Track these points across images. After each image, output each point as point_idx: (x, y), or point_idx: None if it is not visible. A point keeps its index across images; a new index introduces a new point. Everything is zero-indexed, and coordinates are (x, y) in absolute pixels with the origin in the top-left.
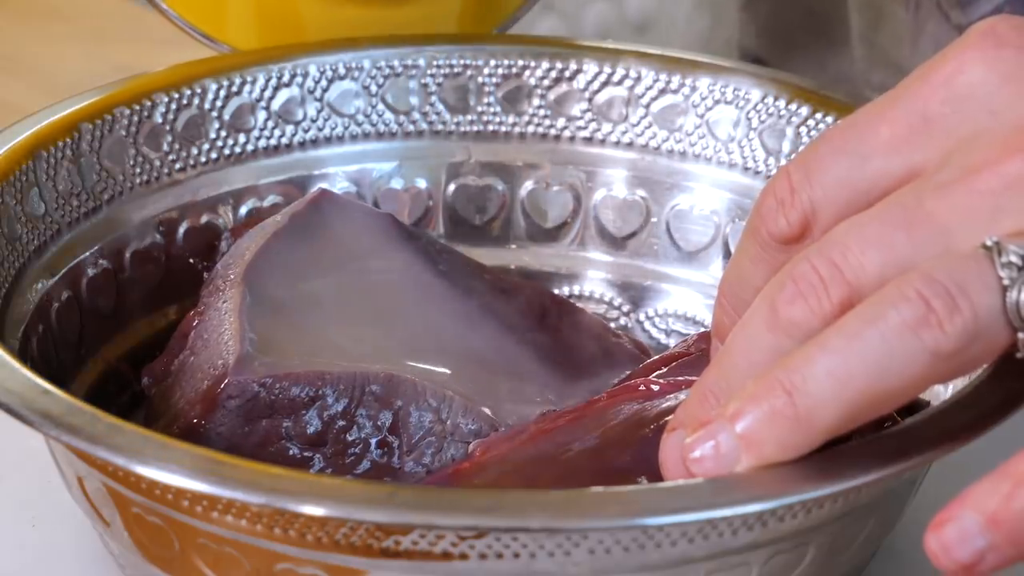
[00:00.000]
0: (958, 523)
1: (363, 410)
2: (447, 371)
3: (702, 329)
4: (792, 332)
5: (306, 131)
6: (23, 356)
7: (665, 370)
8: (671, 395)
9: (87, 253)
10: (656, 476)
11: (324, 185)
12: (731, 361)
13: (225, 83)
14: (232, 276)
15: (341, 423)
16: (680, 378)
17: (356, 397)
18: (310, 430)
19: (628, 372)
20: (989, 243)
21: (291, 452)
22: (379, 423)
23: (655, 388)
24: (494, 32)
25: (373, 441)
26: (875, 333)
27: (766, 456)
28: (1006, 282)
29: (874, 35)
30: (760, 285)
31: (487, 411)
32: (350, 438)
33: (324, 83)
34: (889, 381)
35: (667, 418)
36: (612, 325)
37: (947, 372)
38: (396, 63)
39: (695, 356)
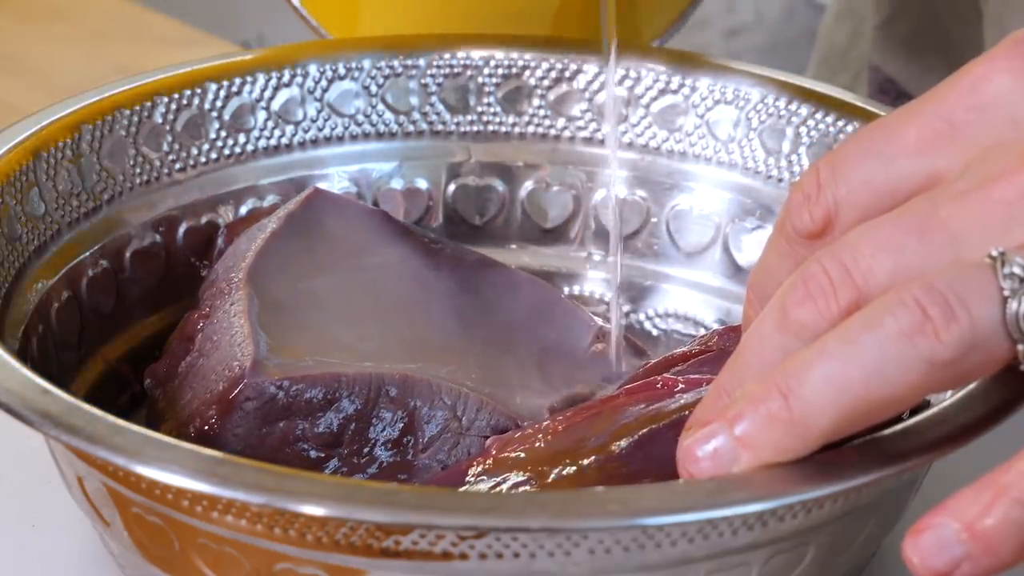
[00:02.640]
0: (936, 531)
1: (379, 411)
2: (459, 367)
3: (702, 330)
4: (800, 333)
5: (306, 131)
6: (23, 356)
7: (684, 367)
8: (689, 393)
9: (87, 253)
10: (672, 475)
11: (324, 185)
12: (744, 360)
13: (225, 83)
14: (235, 278)
15: (357, 424)
16: (698, 375)
17: (372, 398)
18: (326, 431)
19: (635, 369)
20: (995, 253)
21: (307, 453)
22: (395, 423)
23: (673, 386)
24: (655, 44)
25: (389, 441)
26: (872, 339)
27: (763, 459)
28: (1007, 293)
29: None
30: (783, 279)
31: (502, 406)
32: (366, 438)
33: (324, 83)
34: (885, 388)
35: (684, 416)
36: (613, 327)
37: (944, 381)
38: (396, 63)
39: (715, 353)
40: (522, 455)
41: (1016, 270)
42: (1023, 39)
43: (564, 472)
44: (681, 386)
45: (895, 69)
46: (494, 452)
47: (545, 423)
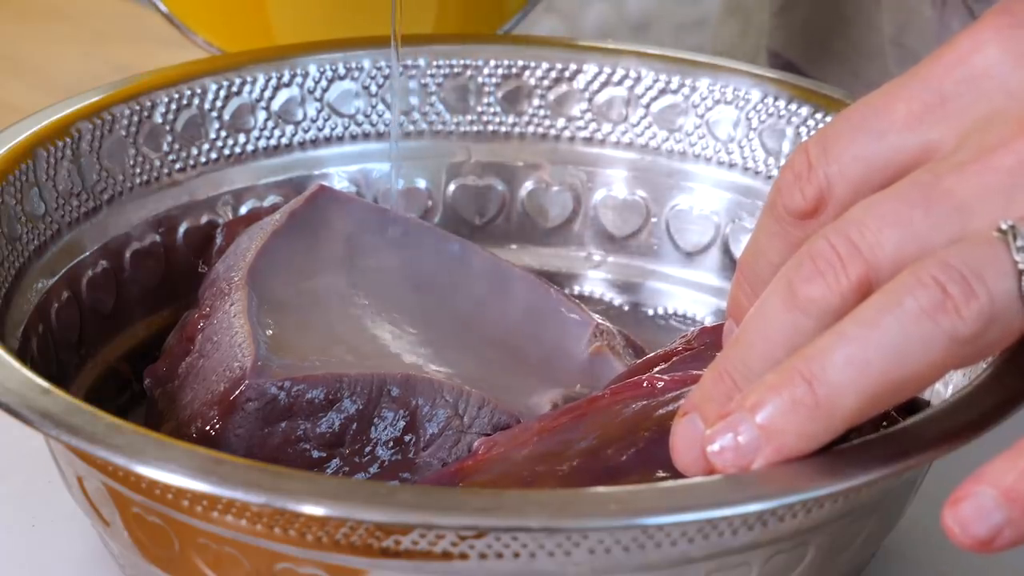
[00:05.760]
0: (975, 499)
1: (381, 410)
2: (460, 365)
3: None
4: (809, 310)
5: (306, 131)
6: (23, 356)
7: (667, 365)
8: (675, 391)
9: (87, 253)
10: (659, 475)
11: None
12: (748, 340)
13: (225, 83)
14: (235, 278)
15: (359, 423)
16: (684, 373)
17: (374, 398)
18: (328, 431)
19: (626, 368)
20: (1004, 227)
21: (309, 453)
22: (397, 422)
23: (659, 385)
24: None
25: (391, 440)
26: (892, 320)
27: (787, 446)
28: (1021, 266)
29: (904, 38)
30: (775, 260)
31: (504, 404)
32: (368, 438)
33: (324, 83)
34: (908, 367)
35: (670, 416)
36: (612, 325)
37: (965, 357)
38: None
39: (697, 351)
40: (510, 456)
41: None
42: (1007, 10)
43: (551, 473)
44: (665, 385)
45: (795, 54)
46: (480, 453)
47: (532, 424)
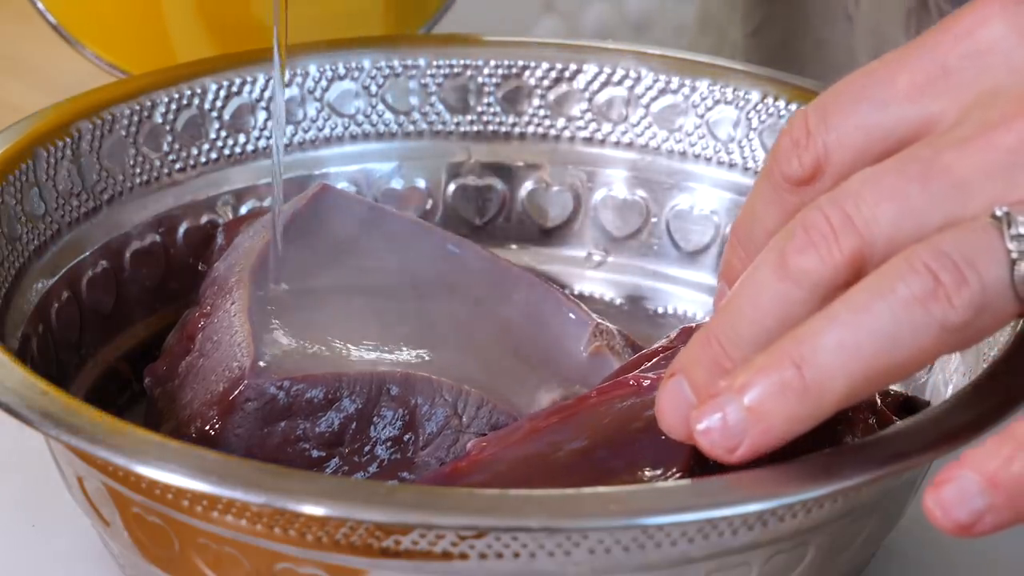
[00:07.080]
0: (957, 483)
1: (380, 409)
2: (460, 364)
3: None
4: (801, 281)
5: (306, 131)
6: (23, 356)
7: (650, 364)
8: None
9: (87, 253)
10: (650, 473)
11: None
12: (737, 307)
13: (225, 83)
14: (237, 276)
15: (358, 423)
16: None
17: (373, 397)
18: (327, 430)
19: (616, 367)
20: (999, 213)
21: (308, 453)
22: (396, 421)
23: (645, 383)
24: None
25: (390, 439)
26: (884, 306)
27: (774, 429)
28: (1014, 255)
29: None
30: (770, 226)
31: (503, 404)
32: (367, 437)
33: (324, 83)
34: (898, 353)
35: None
36: (612, 325)
37: (955, 344)
38: (396, 63)
39: (678, 349)
40: (501, 457)
41: (1023, 230)
42: None
43: (542, 473)
44: (651, 383)
45: None
46: (473, 454)
47: (523, 423)
